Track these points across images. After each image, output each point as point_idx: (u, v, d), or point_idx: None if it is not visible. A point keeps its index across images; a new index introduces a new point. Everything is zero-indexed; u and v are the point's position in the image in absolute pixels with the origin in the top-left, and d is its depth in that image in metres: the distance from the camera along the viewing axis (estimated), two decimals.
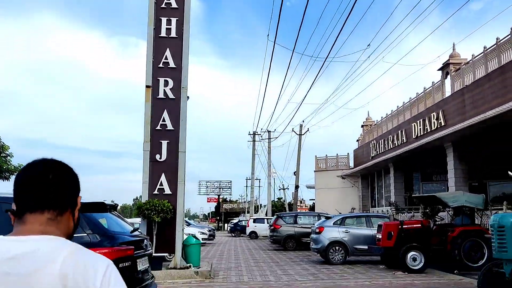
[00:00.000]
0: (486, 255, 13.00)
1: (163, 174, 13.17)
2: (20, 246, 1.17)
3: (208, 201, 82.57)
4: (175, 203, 12.96)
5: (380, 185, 31.45)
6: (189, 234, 14.54)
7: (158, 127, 13.41)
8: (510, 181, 25.57)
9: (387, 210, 26.73)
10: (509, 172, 6.73)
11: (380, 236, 13.41)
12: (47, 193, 1.27)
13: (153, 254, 12.43)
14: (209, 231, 29.84)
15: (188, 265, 12.74)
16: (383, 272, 13.15)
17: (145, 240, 6.86)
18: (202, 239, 26.97)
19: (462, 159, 19.39)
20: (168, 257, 13.11)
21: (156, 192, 13.05)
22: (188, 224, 28.47)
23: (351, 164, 35.62)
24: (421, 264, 12.68)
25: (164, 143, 13.32)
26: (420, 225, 13.53)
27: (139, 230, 7.79)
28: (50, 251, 1.17)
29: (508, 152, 22.33)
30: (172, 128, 13.42)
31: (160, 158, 13.23)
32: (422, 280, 11.43)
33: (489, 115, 14.77)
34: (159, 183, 13.12)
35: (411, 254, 12.75)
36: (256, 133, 44.83)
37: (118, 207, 12.70)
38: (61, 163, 1.35)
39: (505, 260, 7.08)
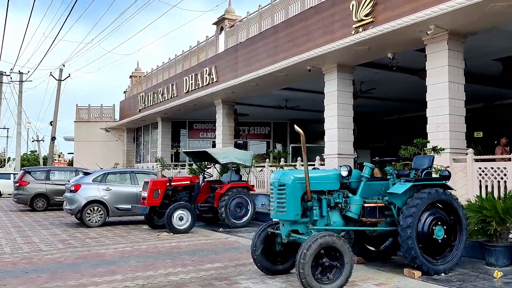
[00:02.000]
0: (250, 212, 13.04)
1: None
2: None
3: None
4: None
5: (147, 140, 30.18)
6: None
7: None
8: (262, 141, 27.59)
9: (153, 166, 25.71)
10: (295, 126, 6.04)
11: (146, 194, 12.07)
12: None
13: None
14: None
15: None
16: (147, 233, 11.91)
17: None
18: None
19: (230, 117, 19.48)
20: None
21: None
22: None
23: (117, 116, 33.24)
24: (188, 224, 11.89)
25: None
26: (189, 182, 12.70)
27: None
28: None
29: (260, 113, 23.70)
30: None
31: None
32: (188, 241, 10.60)
33: (261, 73, 14.75)
34: None
35: (178, 213, 11.81)
36: (3, 73, 37.79)
37: None
38: None
39: (283, 221, 6.52)
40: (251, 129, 26.68)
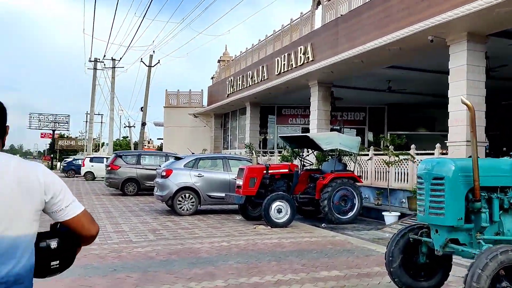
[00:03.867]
0: (356, 207, 11.41)
1: None
2: None
3: (42, 137, 73.30)
4: None
5: (235, 126, 29.36)
6: None
7: None
8: (353, 128, 25.52)
9: (240, 153, 24.79)
10: (462, 98, 4.33)
11: (241, 183, 10.87)
12: None
13: None
14: None
15: None
16: (242, 226, 10.73)
17: None
18: None
19: (326, 100, 17.80)
20: None
21: None
22: None
23: (205, 102, 32.83)
24: (287, 217, 10.54)
25: None
26: (287, 170, 11.31)
27: None
28: (4, 162, 1.73)
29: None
30: None
31: None
32: (291, 238, 9.23)
33: (368, 48, 12.92)
34: None
35: (276, 204, 10.49)
36: (97, 60, 38.96)
37: None
38: None
39: (437, 226, 4.86)
40: (343, 115, 24.76)
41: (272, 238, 9.15)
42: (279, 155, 19.63)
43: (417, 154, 11.92)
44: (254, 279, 6.01)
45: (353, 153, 11.82)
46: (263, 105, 24.93)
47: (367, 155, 13.86)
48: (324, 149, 11.24)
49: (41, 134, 70.99)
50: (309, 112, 18.60)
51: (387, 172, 13.01)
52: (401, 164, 11.71)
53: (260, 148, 24.53)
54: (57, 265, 1.89)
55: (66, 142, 73.00)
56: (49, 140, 73.83)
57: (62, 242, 1.87)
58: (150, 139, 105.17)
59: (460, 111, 10.83)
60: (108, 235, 9.17)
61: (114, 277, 6.00)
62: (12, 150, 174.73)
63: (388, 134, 23.83)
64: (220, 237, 9.19)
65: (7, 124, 1.89)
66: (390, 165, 11.43)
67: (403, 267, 5.40)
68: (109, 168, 19.07)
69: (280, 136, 12.74)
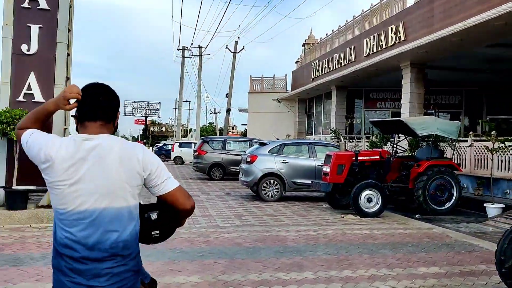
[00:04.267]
0: (454, 197, 10.54)
1: (32, 73, 9.14)
2: (90, 141, 1.91)
3: (135, 123, 77.64)
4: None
5: (319, 111, 28.76)
6: None
7: (26, 4, 9.17)
8: (446, 113, 23.74)
9: (325, 138, 24.24)
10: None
11: (329, 170, 10.46)
12: (99, 109, 1.99)
13: (14, 187, 8.72)
14: None
15: None
16: (329, 214, 10.36)
17: None
18: None
19: (419, 82, 16.68)
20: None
21: (21, 98, 9.07)
22: None
23: (289, 87, 32.51)
24: (377, 207, 9.99)
25: (35, 29, 9.17)
26: (378, 157, 10.70)
27: None
28: (109, 143, 1.93)
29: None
30: (47, 8, 9.24)
31: (28, 50, 9.14)
32: (382, 229, 8.71)
33: (468, 24, 11.78)
34: (26, 86, 9.10)
35: (366, 193, 9.98)
36: (185, 48, 40.08)
37: None
38: (108, 88, 2.07)
39: None
40: (437, 98, 23.17)
41: (362, 228, 8.69)
42: (367, 141, 18.85)
43: None
44: (346, 273, 5.66)
45: (452, 139, 10.90)
46: (350, 88, 24.08)
47: (466, 141, 12.74)
48: (419, 135, 10.44)
49: (135, 120, 75.24)
50: (400, 95, 17.60)
51: (489, 160, 11.89)
52: (507, 151, 10.57)
53: (346, 134, 23.79)
54: (158, 234, 2.10)
55: (157, 128, 76.69)
56: (142, 126, 78.05)
57: (162, 215, 2.07)
58: (234, 125, 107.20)
59: None
60: (196, 219, 9.25)
61: (202, 263, 5.95)
62: None
63: (487, 119, 22.03)
64: (306, 225, 8.90)
65: (119, 111, 2.11)
66: (494, 152, 10.38)
67: None
68: (197, 153, 19.50)
69: (370, 121, 12.08)
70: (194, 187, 16.05)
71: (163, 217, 2.08)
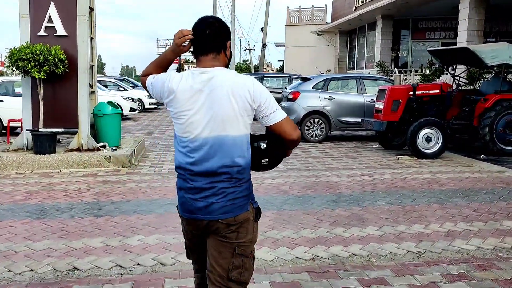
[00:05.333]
0: None
1: (52, 3, 8.23)
2: (205, 74, 2.06)
3: None
4: (75, 50, 8.28)
5: (362, 43, 26.90)
6: (109, 101, 10.01)
7: None
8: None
9: (369, 73, 22.69)
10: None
11: (382, 106, 9.35)
12: (208, 43, 2.10)
13: (40, 130, 8.11)
14: (145, 96, 21.61)
15: (102, 144, 8.55)
16: (382, 156, 9.38)
17: None
18: (150, 103, 22.64)
19: (479, 7, 14.82)
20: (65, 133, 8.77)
21: (42, 32, 8.26)
22: (106, 86, 20.50)
23: (329, 19, 30.51)
24: (438, 147, 8.93)
25: None
26: (438, 90, 9.46)
27: None
28: (223, 76, 2.06)
29: None
30: None
31: None
32: (446, 172, 7.70)
33: None
34: (46, 19, 8.25)
35: (424, 132, 8.89)
36: None
37: None
38: (215, 20, 2.15)
39: None
40: (498, 25, 20.90)
41: (423, 172, 7.70)
42: (416, 74, 17.35)
43: None
44: (416, 228, 4.78)
45: None
46: (396, 18, 22.14)
47: None
48: (489, 64, 9.07)
49: None
50: (452, 24, 15.87)
51: None
52: None
53: (392, 67, 22.16)
54: (267, 162, 2.23)
55: (191, 66, 75.55)
56: (175, 66, 77.23)
57: (271, 144, 2.20)
58: (269, 62, 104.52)
59: None
60: None
61: None
62: None
63: None
64: (359, 169, 7.98)
65: (229, 41, 2.18)
66: None
67: None
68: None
69: (429, 50, 10.68)
70: None
71: (271, 146, 2.21)
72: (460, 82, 10.30)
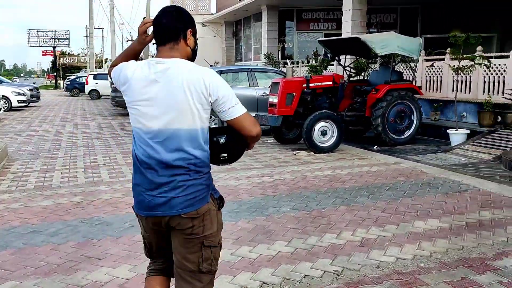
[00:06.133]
0: (415, 124, 9.49)
1: None
2: (161, 65, 2.01)
3: (43, 55, 70.41)
4: None
5: (248, 34, 26.65)
6: None
7: None
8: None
9: (257, 64, 22.49)
10: None
11: (276, 100, 8.88)
12: (163, 32, 2.06)
13: None
14: (31, 90, 22.34)
15: None
16: (278, 152, 8.93)
17: None
18: (18, 101, 20.18)
19: None
20: None
21: None
22: None
23: (214, 9, 29.81)
24: (333, 140, 8.71)
25: None
26: (331, 82, 9.24)
27: None
28: (178, 68, 2.00)
29: None
30: None
31: None
32: (345, 167, 7.42)
33: None
34: None
35: (320, 125, 8.60)
36: None
37: None
38: (174, 9, 2.10)
39: None
40: (373, 17, 21.92)
41: (322, 168, 7.34)
42: (304, 66, 17.39)
43: (490, 57, 9.69)
44: (328, 239, 4.26)
45: (413, 58, 9.63)
46: (281, 9, 22.16)
47: (435, 60, 11.55)
48: (380, 54, 9.04)
49: (42, 51, 68.21)
50: (333, 15, 16.09)
51: (444, 82, 10.95)
52: (475, 70, 9.53)
53: (279, 59, 22.17)
54: (226, 157, 2.23)
55: (68, 59, 69.94)
56: (51, 58, 70.93)
57: (230, 139, 2.19)
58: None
59: None
60: (119, 170, 7.41)
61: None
62: (16, 70, 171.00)
63: (423, 38, 21.28)
64: (257, 168, 7.40)
65: (189, 29, 2.12)
66: (460, 72, 9.28)
67: None
68: (113, 86, 17.03)
69: (319, 41, 10.46)
70: (115, 126, 13.93)
71: (231, 141, 2.19)
72: (351, 73, 10.24)
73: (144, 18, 32.01)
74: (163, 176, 2.00)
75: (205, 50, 28.21)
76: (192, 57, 2.13)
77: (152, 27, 2.13)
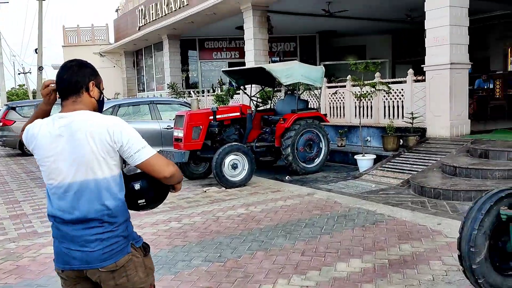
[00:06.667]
0: (323, 152, 9.43)
1: None
2: (63, 119, 2.01)
3: None
4: None
5: (150, 64, 25.82)
6: None
7: None
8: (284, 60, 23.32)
9: (160, 95, 21.79)
10: None
11: (182, 134, 8.32)
12: (65, 87, 2.07)
13: None
14: None
15: None
16: (187, 190, 8.32)
17: None
18: None
19: (263, 26, 15.21)
20: None
21: None
22: None
23: (112, 39, 28.63)
24: (244, 173, 8.32)
25: None
26: (238, 113, 8.89)
27: None
28: (81, 120, 2.00)
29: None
30: None
31: None
32: (259, 203, 7.02)
33: None
34: None
35: (230, 159, 8.17)
36: None
37: None
38: (75, 63, 2.12)
39: None
40: (274, 45, 22.33)
41: (235, 206, 6.88)
42: (209, 95, 17.05)
43: (388, 83, 10.00)
44: None
45: (317, 86, 9.62)
46: (183, 38, 21.78)
47: (337, 87, 11.74)
48: (285, 84, 8.90)
49: None
50: (235, 44, 16.05)
51: (346, 107, 11.17)
52: (376, 96, 9.74)
53: (183, 88, 21.65)
54: (144, 203, 2.18)
55: None
56: None
57: (146, 184, 2.13)
58: None
59: (442, 27, 8.94)
60: (0, 224, 6.35)
61: None
62: None
63: (322, 65, 22.01)
64: (164, 212, 6.73)
65: (92, 81, 2.14)
66: (362, 98, 9.42)
67: (490, 261, 3.46)
68: (1, 124, 15.35)
69: (223, 71, 10.10)
70: (1, 169, 12.39)
71: (147, 186, 2.14)
72: (258, 103, 10.01)
73: (40, 67, 29.85)
74: (78, 229, 1.99)
75: (105, 81, 26.78)
76: (99, 107, 2.14)
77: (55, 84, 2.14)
